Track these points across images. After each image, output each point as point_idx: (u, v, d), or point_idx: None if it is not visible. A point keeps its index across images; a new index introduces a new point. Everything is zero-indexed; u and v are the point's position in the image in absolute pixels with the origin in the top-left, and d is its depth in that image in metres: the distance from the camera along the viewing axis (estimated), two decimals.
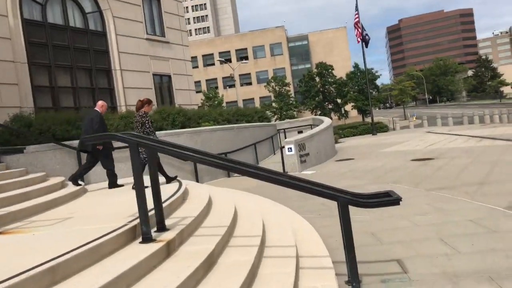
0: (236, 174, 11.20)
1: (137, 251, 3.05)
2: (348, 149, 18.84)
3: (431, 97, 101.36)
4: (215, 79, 68.24)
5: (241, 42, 69.09)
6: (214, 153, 3.80)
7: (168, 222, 3.93)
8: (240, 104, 47.80)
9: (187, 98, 18.17)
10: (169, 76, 17.30)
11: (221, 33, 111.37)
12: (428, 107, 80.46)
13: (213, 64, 66.84)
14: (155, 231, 3.55)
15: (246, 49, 68.52)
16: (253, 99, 65.22)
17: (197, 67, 66.46)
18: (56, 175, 8.34)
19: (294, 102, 52.14)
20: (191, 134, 12.04)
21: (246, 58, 66.22)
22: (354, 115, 55.71)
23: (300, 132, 19.32)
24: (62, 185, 7.22)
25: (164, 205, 4.29)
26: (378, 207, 3.26)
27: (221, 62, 56.97)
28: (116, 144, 7.92)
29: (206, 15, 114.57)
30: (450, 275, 3.47)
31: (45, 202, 5.34)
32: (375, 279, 3.51)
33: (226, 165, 3.29)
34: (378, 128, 30.57)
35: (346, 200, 3.11)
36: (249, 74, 68.33)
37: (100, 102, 7.86)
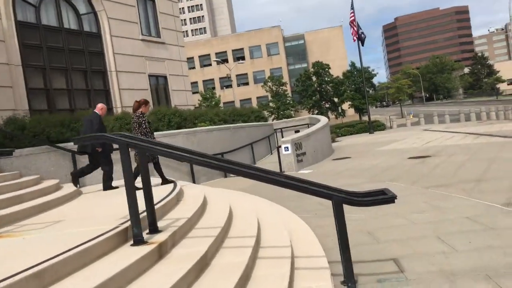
0: (232, 175, 11.16)
1: (128, 254, 2.99)
2: (345, 147, 18.81)
3: (427, 95, 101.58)
4: (212, 79, 68.21)
5: (237, 42, 69.07)
6: (207, 153, 3.75)
7: (161, 223, 3.87)
8: (237, 105, 47.78)
9: (183, 98, 18.11)
10: (165, 77, 17.23)
11: (218, 33, 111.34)
12: (425, 105, 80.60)
13: (210, 65, 66.79)
14: (147, 233, 3.49)
15: (242, 49, 68.52)
16: (250, 99, 65.20)
17: (193, 67, 66.39)
18: (51, 178, 8.25)
19: (291, 102, 52.10)
20: (187, 134, 11.99)
21: (243, 58, 66.20)
22: (351, 114, 55.72)
23: (297, 131, 19.29)
24: (56, 188, 7.14)
25: (157, 206, 4.23)
26: (373, 205, 3.21)
27: (218, 63, 56.94)
28: (115, 145, 7.87)
29: (203, 16, 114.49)
30: (447, 273, 3.43)
31: (38, 205, 5.27)
32: (371, 279, 3.46)
33: (218, 165, 3.24)
34: (375, 127, 30.59)
35: (340, 199, 3.07)
36: (246, 74, 68.32)
37: (99, 105, 7.83)
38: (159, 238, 3.35)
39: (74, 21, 13.79)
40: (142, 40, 15.95)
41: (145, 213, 3.59)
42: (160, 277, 2.80)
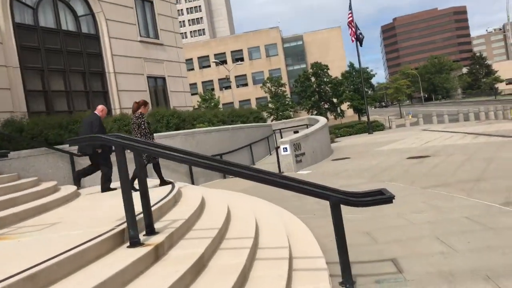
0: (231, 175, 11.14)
1: (124, 256, 2.96)
2: (344, 148, 18.79)
3: (426, 95, 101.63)
4: (211, 81, 68.20)
5: (236, 43, 69.09)
6: (204, 154, 3.72)
7: (158, 225, 3.85)
8: (237, 106, 47.73)
9: (182, 100, 18.09)
10: (164, 78, 17.21)
11: (216, 35, 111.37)
12: (423, 105, 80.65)
13: (209, 66, 66.80)
14: (144, 235, 3.46)
15: (241, 50, 68.54)
16: (249, 100, 65.20)
17: (192, 69, 66.41)
18: (49, 180, 8.22)
19: (290, 103, 52.14)
20: (185, 136, 11.96)
21: (242, 59, 66.19)
22: (350, 114, 55.74)
23: (296, 132, 19.26)
24: (54, 190, 7.10)
25: (154, 208, 4.21)
26: (371, 205, 3.18)
27: (217, 64, 56.91)
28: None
29: (201, 17, 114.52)
30: (446, 274, 3.41)
31: (35, 207, 5.24)
32: (369, 280, 3.43)
33: (215, 166, 3.22)
34: (374, 127, 30.59)
35: (337, 199, 3.04)
36: (245, 75, 68.33)
37: (100, 106, 7.82)
38: (156, 239, 3.32)
39: (72, 22, 13.77)
40: (140, 41, 15.93)
41: (142, 215, 3.56)
42: (156, 279, 2.77)
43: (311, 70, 52.95)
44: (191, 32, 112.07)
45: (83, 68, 13.83)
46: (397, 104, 64.38)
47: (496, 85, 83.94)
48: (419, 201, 6.33)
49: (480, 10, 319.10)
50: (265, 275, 3.26)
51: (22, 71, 11.82)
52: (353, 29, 26.93)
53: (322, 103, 51.86)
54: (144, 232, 3.50)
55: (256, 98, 64.35)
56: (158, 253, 3.20)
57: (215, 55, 66.23)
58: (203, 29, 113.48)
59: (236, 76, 65.47)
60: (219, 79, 66.36)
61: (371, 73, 51.23)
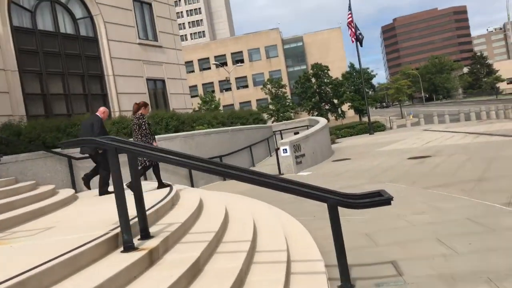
0: None
1: (118, 261, 2.90)
2: (345, 149, 18.73)
3: (427, 95, 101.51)
4: (212, 83, 68.18)
5: (236, 45, 69.09)
6: (202, 157, 3.66)
7: (154, 229, 3.79)
8: (237, 107, 47.72)
9: (182, 102, 18.05)
10: (163, 81, 17.17)
11: (217, 37, 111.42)
12: (424, 105, 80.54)
13: (209, 68, 66.81)
14: (138, 239, 3.40)
15: (241, 52, 68.52)
16: (249, 101, 65.15)
17: (193, 71, 66.43)
18: (47, 183, 8.18)
19: (290, 104, 52.07)
20: (185, 138, 11.91)
21: (242, 61, 66.22)
22: (351, 115, 55.65)
23: (296, 133, 19.18)
24: (52, 193, 7.05)
25: (150, 211, 4.15)
26: (369, 207, 3.12)
27: (217, 66, 56.93)
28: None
29: (201, 20, 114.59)
30: (447, 277, 3.34)
31: (31, 211, 5.19)
32: (369, 283, 3.37)
33: (210, 168, 3.16)
34: (375, 128, 30.51)
35: (335, 201, 2.98)
36: (245, 77, 68.28)
37: (101, 108, 7.84)
38: (150, 244, 3.26)
39: (71, 25, 13.74)
40: (139, 44, 15.90)
41: (137, 219, 3.50)
42: (150, 284, 2.71)
43: (311, 71, 52.90)
44: (191, 34, 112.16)
45: (81, 71, 13.79)
46: (398, 104, 64.29)
47: (497, 85, 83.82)
48: (419, 201, 6.26)
49: (480, 10, 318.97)
50: (262, 279, 3.20)
51: (21, 75, 11.79)
52: (353, 29, 26.89)
53: (323, 104, 51.80)
54: (139, 236, 3.44)
55: (257, 100, 64.28)
56: (152, 258, 3.14)
57: (215, 57, 66.21)
58: (203, 31, 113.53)
59: (236, 78, 65.47)
60: (219, 81, 66.34)
61: (372, 73, 51.17)
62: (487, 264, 3.49)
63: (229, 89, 61.29)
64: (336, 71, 54.66)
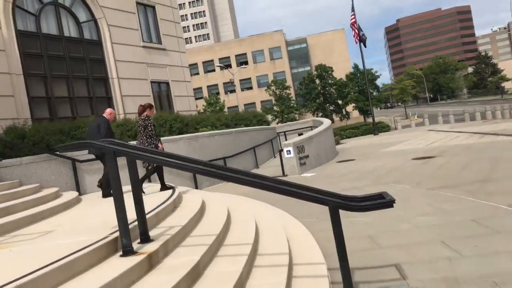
0: None
1: (116, 265, 2.88)
2: (350, 150, 18.64)
3: (432, 96, 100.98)
4: (216, 85, 68.30)
5: (240, 47, 69.16)
6: (202, 160, 3.64)
7: (154, 232, 3.77)
8: (242, 109, 47.71)
9: (186, 104, 18.07)
10: (167, 83, 17.20)
11: (221, 39, 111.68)
12: (429, 106, 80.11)
13: (214, 70, 66.92)
14: (138, 243, 3.38)
15: (245, 54, 68.58)
16: (254, 103, 65.16)
17: (197, 73, 66.62)
18: (51, 186, 8.21)
19: (295, 105, 52.01)
20: (189, 140, 11.90)
21: (246, 63, 66.26)
22: (355, 116, 55.49)
23: (300, 134, 19.14)
24: (55, 196, 7.07)
25: (151, 214, 4.13)
26: (371, 210, 3.08)
27: (221, 68, 57.00)
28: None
29: (206, 22, 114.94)
30: (451, 280, 3.28)
31: (34, 214, 5.19)
32: (371, 287, 3.32)
33: (209, 171, 3.12)
34: (379, 128, 30.36)
35: (336, 204, 2.94)
36: (249, 78, 68.33)
37: (108, 110, 7.91)
38: (150, 248, 3.23)
39: (74, 29, 13.80)
40: (143, 46, 15.94)
41: (136, 222, 3.48)
42: None
43: (315, 72, 52.84)
44: (195, 37, 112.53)
45: (86, 74, 13.85)
46: (403, 105, 64.01)
47: (502, 84, 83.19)
48: (424, 203, 6.19)
49: (484, 9, 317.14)
50: (263, 283, 3.16)
51: (25, 78, 11.85)
52: (356, 30, 26.80)
53: (327, 105, 51.70)
54: (138, 240, 3.42)
55: (261, 101, 64.26)
56: (151, 262, 3.11)
57: (219, 59, 66.34)
58: (208, 34, 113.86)
59: (240, 80, 65.56)
60: (224, 83, 66.41)
61: (376, 74, 51.02)
62: (493, 268, 3.43)
63: (233, 91, 61.31)
64: (340, 72, 54.55)
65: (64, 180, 8.91)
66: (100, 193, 7.58)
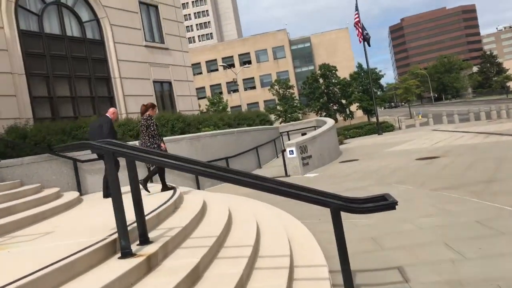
0: None
1: (114, 268, 2.84)
2: (353, 149, 18.55)
3: (436, 95, 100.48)
4: (219, 84, 68.23)
5: (243, 46, 69.06)
6: (201, 161, 3.60)
7: (154, 233, 3.73)
8: (245, 108, 47.67)
9: (188, 104, 18.04)
10: (170, 83, 17.18)
11: (224, 38, 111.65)
12: (433, 105, 79.74)
13: (217, 70, 66.85)
14: (137, 244, 3.34)
15: (248, 53, 68.47)
16: (257, 103, 65.06)
17: (201, 73, 66.58)
18: (52, 186, 8.20)
19: (298, 105, 51.88)
20: (191, 140, 11.87)
21: (249, 62, 66.18)
22: (359, 116, 55.28)
23: (304, 134, 19.06)
24: (56, 196, 7.05)
25: (151, 215, 4.10)
26: (372, 212, 3.02)
27: (225, 68, 56.96)
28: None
29: (209, 22, 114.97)
30: (454, 283, 3.22)
31: (34, 215, 5.17)
32: None
33: (208, 172, 3.08)
34: (383, 128, 30.25)
35: (337, 206, 2.89)
36: (253, 78, 68.21)
37: (111, 109, 7.87)
38: (149, 249, 3.19)
39: (77, 28, 13.80)
40: (146, 46, 15.93)
41: (136, 224, 3.44)
42: None
43: (319, 72, 52.69)
44: (199, 36, 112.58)
45: (88, 73, 13.84)
46: (407, 104, 63.73)
47: (508, 84, 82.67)
48: (427, 204, 6.12)
49: (489, 8, 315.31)
50: (263, 285, 3.12)
51: (28, 78, 11.86)
52: (360, 29, 26.70)
53: (331, 104, 51.54)
54: (137, 242, 3.38)
55: (264, 101, 64.16)
56: (150, 264, 3.07)
57: (222, 58, 66.29)
58: (211, 33, 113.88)
59: (244, 79, 65.47)
60: (227, 83, 66.34)
61: (380, 73, 50.79)
62: (497, 270, 3.37)
63: (236, 90, 61.26)
64: (344, 72, 54.35)
65: (65, 180, 8.90)
66: (101, 193, 7.56)
